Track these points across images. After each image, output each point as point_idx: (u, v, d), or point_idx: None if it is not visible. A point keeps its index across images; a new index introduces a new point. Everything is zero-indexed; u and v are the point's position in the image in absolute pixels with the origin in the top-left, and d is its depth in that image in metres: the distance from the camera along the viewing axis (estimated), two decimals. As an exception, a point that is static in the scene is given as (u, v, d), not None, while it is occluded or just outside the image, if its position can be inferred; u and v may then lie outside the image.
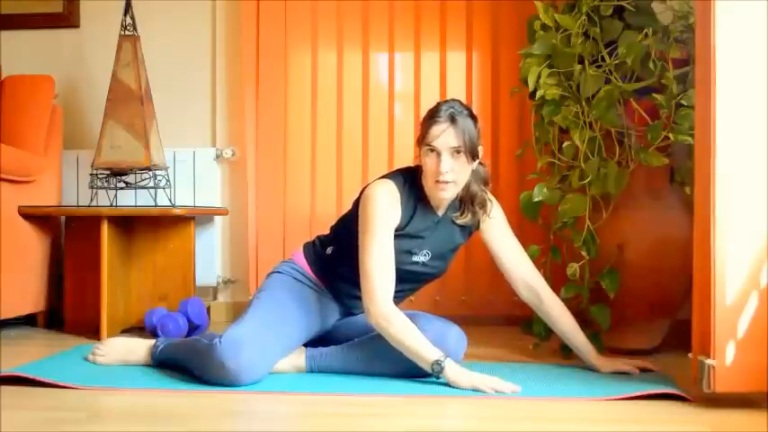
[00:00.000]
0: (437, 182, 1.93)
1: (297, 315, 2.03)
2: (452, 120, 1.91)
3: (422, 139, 1.95)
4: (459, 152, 1.92)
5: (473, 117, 1.96)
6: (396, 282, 1.94)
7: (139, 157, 2.83)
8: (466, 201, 2.06)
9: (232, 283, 3.26)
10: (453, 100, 1.99)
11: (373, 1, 3.14)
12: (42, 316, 2.96)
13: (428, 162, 1.94)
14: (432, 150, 1.93)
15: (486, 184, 2.09)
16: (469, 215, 2.07)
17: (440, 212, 2.06)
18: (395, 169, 2.11)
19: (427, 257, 2.06)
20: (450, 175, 1.92)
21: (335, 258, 2.10)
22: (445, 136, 1.91)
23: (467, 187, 2.03)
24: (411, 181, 2.02)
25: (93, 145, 2.94)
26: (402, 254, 1.98)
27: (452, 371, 1.84)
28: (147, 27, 3.05)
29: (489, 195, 2.11)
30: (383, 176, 2.05)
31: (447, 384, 1.86)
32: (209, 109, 3.31)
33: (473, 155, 1.95)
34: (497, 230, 2.13)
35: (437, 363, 1.84)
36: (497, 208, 2.13)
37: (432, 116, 1.94)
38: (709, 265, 1.64)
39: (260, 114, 3.16)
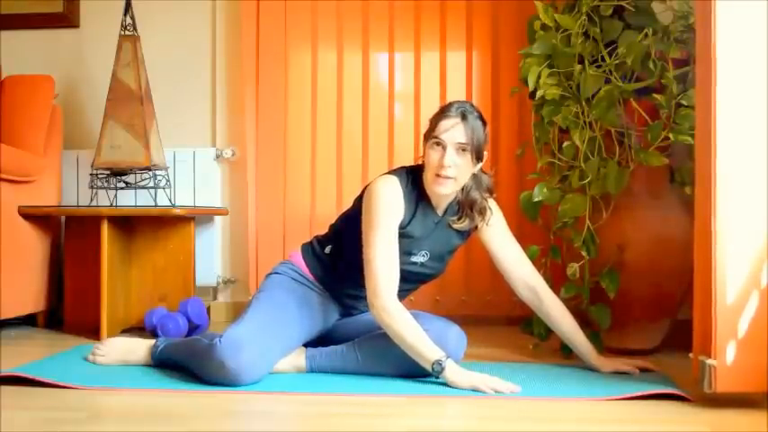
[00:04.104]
0: (437, 176, 1.94)
1: (296, 315, 2.03)
2: (463, 117, 1.94)
3: (429, 133, 1.97)
4: (464, 150, 1.93)
5: (483, 120, 1.98)
6: None
7: (139, 157, 2.83)
8: (465, 206, 2.06)
9: (232, 283, 3.26)
10: (466, 101, 2.02)
11: (373, 1, 3.14)
12: (42, 316, 2.95)
13: (432, 155, 1.95)
14: (438, 144, 1.94)
15: (490, 192, 2.09)
16: (467, 221, 2.07)
17: (439, 212, 2.06)
18: (398, 167, 2.12)
19: (426, 258, 2.06)
20: (452, 171, 1.93)
21: (334, 257, 2.10)
22: (454, 131, 1.92)
23: (467, 192, 2.04)
24: (413, 179, 2.03)
25: (93, 145, 2.94)
26: (401, 254, 1.98)
27: (452, 371, 1.84)
28: (147, 27, 3.05)
29: (491, 203, 2.10)
30: (386, 173, 2.05)
31: (447, 384, 1.86)
32: (209, 109, 3.31)
33: (477, 156, 1.96)
34: (496, 234, 2.12)
35: (438, 362, 1.84)
36: (498, 215, 2.13)
37: (443, 111, 1.97)
38: (710, 264, 1.64)
39: (260, 114, 3.16)
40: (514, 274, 2.13)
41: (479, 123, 1.96)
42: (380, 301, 1.88)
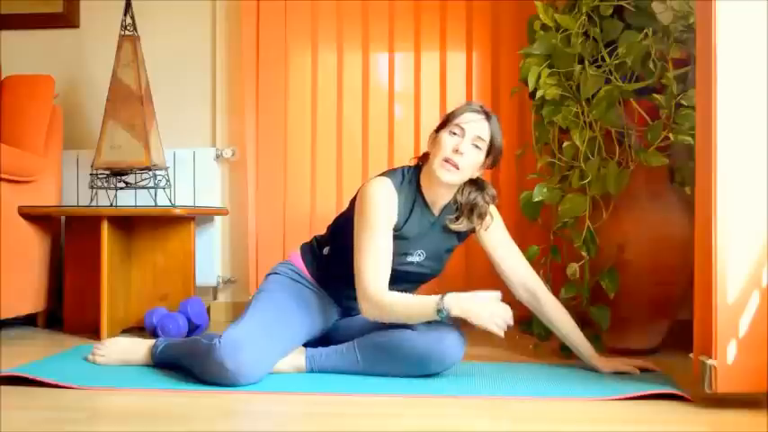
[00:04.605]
0: (446, 160, 1.94)
1: (296, 315, 2.03)
2: (488, 116, 1.98)
3: (449, 121, 1.98)
4: (479, 147, 1.95)
5: (500, 129, 2.02)
6: (391, 282, 1.94)
7: (139, 157, 2.83)
8: (464, 208, 2.06)
9: (232, 283, 3.26)
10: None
11: (373, 1, 3.14)
12: (42, 316, 2.96)
13: (448, 140, 1.95)
14: (456, 132, 1.96)
15: (493, 199, 2.09)
16: (465, 222, 2.07)
17: (435, 211, 2.06)
18: (393, 167, 2.11)
19: (422, 257, 2.06)
20: (462, 160, 1.94)
21: (332, 258, 2.10)
22: (477, 124, 1.96)
23: (467, 195, 2.04)
24: (409, 179, 2.03)
25: (93, 145, 2.95)
26: (397, 255, 1.98)
27: (456, 305, 1.84)
28: (147, 27, 3.05)
29: (492, 209, 2.11)
30: (381, 174, 2.05)
31: (447, 384, 1.86)
32: (209, 109, 3.31)
33: (492, 158, 1.99)
34: (495, 238, 2.13)
35: (439, 312, 1.84)
36: (497, 220, 2.13)
37: (467, 105, 2.01)
38: (711, 264, 1.64)
39: (260, 114, 3.16)
40: (513, 277, 2.13)
41: (499, 130, 2.00)
42: (368, 304, 1.90)
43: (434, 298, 1.86)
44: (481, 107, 2.00)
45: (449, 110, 2.07)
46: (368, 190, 1.97)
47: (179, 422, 1.59)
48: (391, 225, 1.96)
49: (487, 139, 1.96)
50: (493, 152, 1.98)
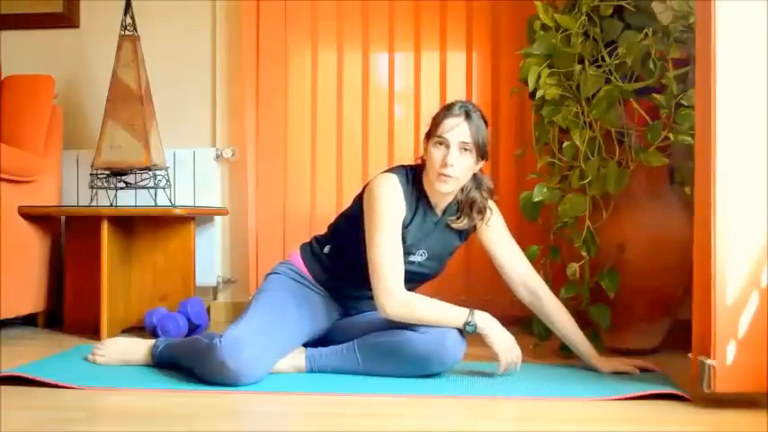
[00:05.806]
0: (440, 174, 1.94)
1: (296, 315, 2.03)
2: (467, 116, 1.96)
3: (433, 132, 1.98)
4: (467, 149, 1.95)
5: (485, 120, 2.01)
6: None
7: (139, 157, 2.83)
8: (464, 206, 2.06)
9: (232, 283, 3.26)
10: (468, 101, 2.04)
11: (373, 1, 3.14)
12: (42, 316, 2.96)
13: (435, 154, 1.96)
14: (441, 143, 1.95)
15: (491, 194, 2.10)
16: (466, 220, 2.08)
17: (438, 212, 2.06)
18: (396, 165, 2.12)
19: (423, 257, 2.06)
20: (454, 170, 1.94)
21: (333, 257, 2.11)
22: (458, 129, 1.95)
23: (467, 192, 2.05)
24: (413, 178, 2.03)
25: (93, 145, 2.95)
26: (401, 254, 1.98)
27: (485, 325, 1.94)
28: (147, 27, 3.05)
29: (491, 203, 2.11)
30: (386, 171, 2.06)
31: (447, 384, 1.86)
32: (209, 109, 3.31)
33: (481, 155, 1.98)
34: (496, 235, 2.13)
35: (468, 324, 1.92)
36: (497, 216, 2.13)
37: (446, 110, 1.99)
38: (710, 264, 1.64)
39: (260, 114, 3.17)
40: (514, 275, 2.13)
41: (482, 123, 1.99)
42: (393, 299, 1.90)
43: (463, 310, 1.93)
44: (460, 107, 1.97)
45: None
46: (377, 187, 1.98)
47: (179, 422, 1.59)
48: (401, 221, 1.97)
49: (472, 140, 1.95)
50: (477, 149, 1.97)
